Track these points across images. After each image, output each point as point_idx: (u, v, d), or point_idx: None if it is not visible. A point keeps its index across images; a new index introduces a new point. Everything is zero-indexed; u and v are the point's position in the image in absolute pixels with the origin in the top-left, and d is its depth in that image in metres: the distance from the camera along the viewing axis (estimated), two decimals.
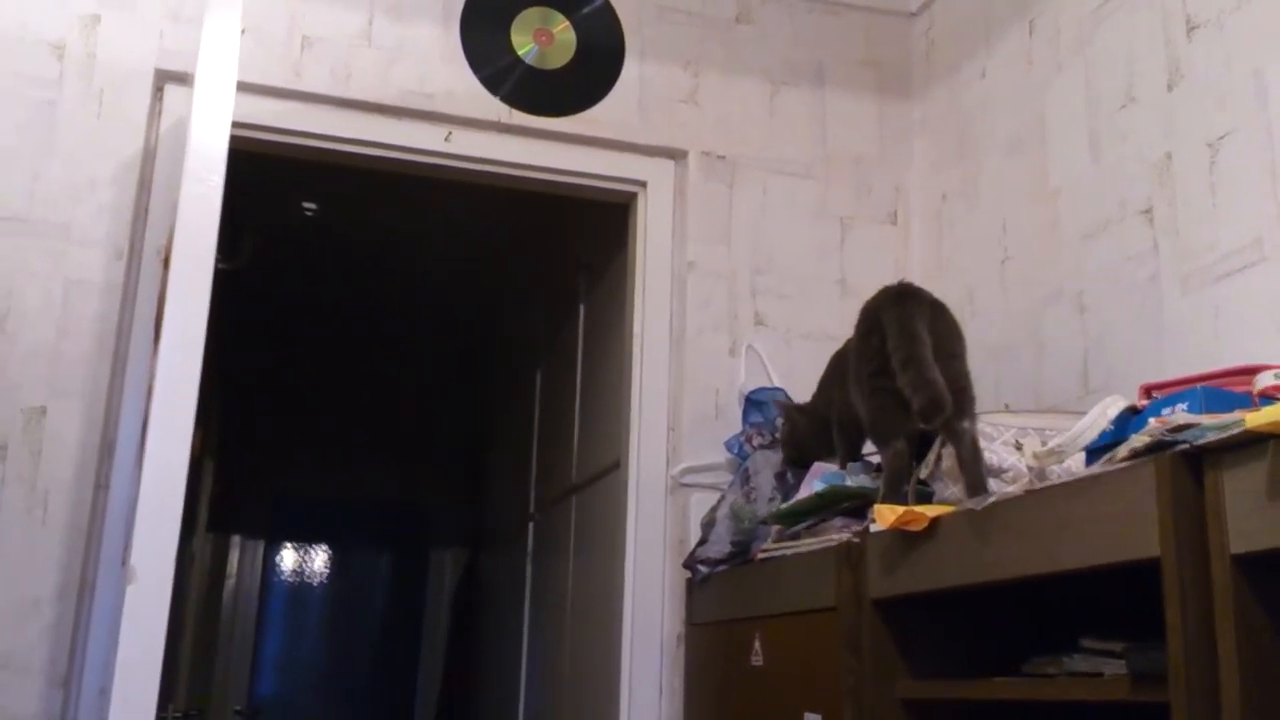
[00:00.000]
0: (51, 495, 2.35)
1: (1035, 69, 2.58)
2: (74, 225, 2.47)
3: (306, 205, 4.90)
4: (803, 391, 2.64)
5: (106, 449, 2.43)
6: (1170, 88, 2.15)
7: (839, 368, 2.19)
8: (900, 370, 1.80)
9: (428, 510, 6.92)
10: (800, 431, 2.36)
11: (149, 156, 2.57)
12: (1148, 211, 2.18)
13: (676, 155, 2.94)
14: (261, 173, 2.87)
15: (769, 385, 2.76)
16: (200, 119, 1.67)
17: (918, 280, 2.13)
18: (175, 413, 1.59)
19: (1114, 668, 1.42)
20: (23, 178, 2.46)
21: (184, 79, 2.58)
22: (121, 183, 2.51)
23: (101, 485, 2.41)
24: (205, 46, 1.68)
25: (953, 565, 1.63)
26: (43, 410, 2.38)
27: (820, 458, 2.26)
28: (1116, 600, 1.48)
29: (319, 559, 6.92)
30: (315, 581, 6.89)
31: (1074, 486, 1.41)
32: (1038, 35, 2.58)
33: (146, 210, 2.55)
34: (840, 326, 2.23)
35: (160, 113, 2.60)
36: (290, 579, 6.84)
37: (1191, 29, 2.11)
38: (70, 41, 2.55)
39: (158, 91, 2.60)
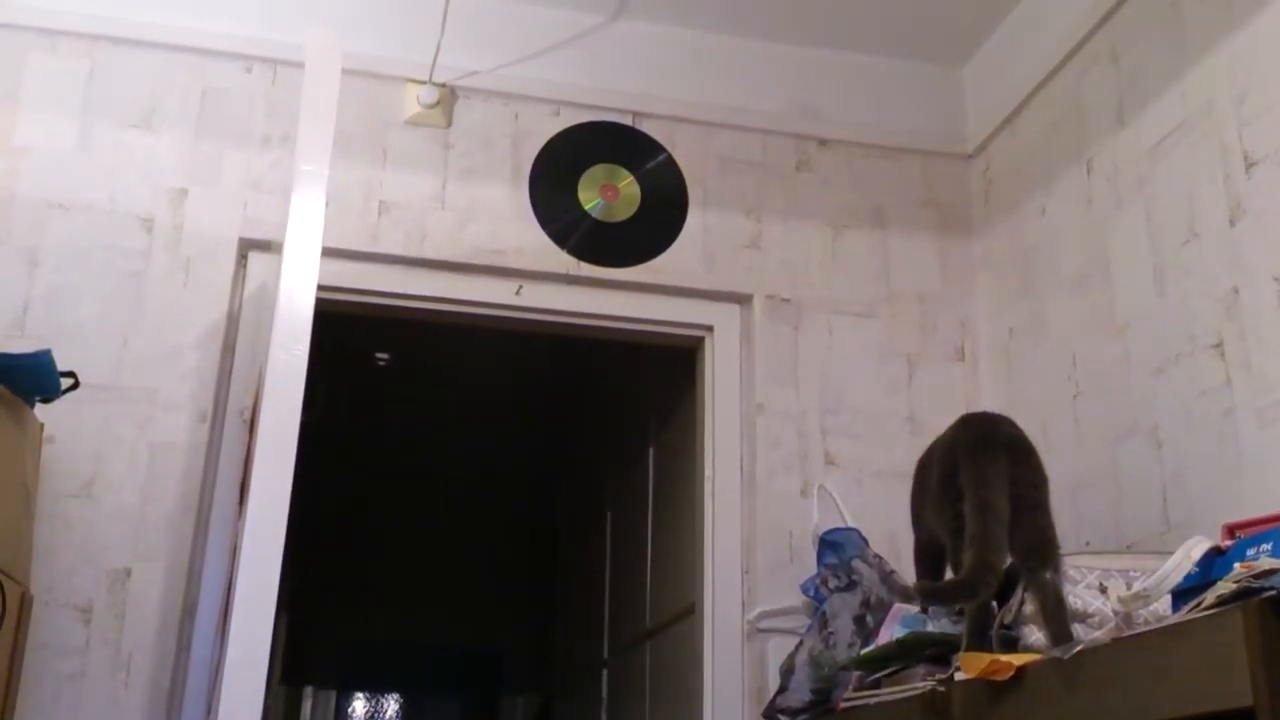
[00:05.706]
0: (134, 658, 2.38)
1: (1095, 206, 2.61)
2: (160, 390, 2.55)
3: (379, 355, 5.01)
4: (877, 531, 2.64)
5: (188, 611, 2.46)
6: (1233, 223, 2.16)
7: (926, 472, 2.14)
8: (968, 544, 1.79)
9: (499, 656, 6.87)
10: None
11: (232, 321, 2.66)
12: (1218, 345, 2.17)
13: (742, 299, 2.98)
14: (337, 327, 2.96)
15: (843, 525, 2.75)
16: (287, 292, 1.74)
17: None
18: (261, 577, 1.62)
19: None
20: (112, 346, 2.55)
21: (267, 246, 2.68)
22: (206, 347, 2.60)
23: (183, 647, 2.43)
24: (292, 225, 1.76)
25: (1041, 716, 1.59)
26: (127, 572, 2.43)
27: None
28: None
29: (390, 708, 6.86)
30: None
31: (1163, 634, 1.38)
32: (1096, 174, 2.62)
33: (230, 372, 2.63)
34: (911, 463, 2.23)
35: (244, 279, 2.70)
36: None
37: (1250, 165, 2.13)
38: (159, 215, 2.66)
39: (241, 259, 2.70)
